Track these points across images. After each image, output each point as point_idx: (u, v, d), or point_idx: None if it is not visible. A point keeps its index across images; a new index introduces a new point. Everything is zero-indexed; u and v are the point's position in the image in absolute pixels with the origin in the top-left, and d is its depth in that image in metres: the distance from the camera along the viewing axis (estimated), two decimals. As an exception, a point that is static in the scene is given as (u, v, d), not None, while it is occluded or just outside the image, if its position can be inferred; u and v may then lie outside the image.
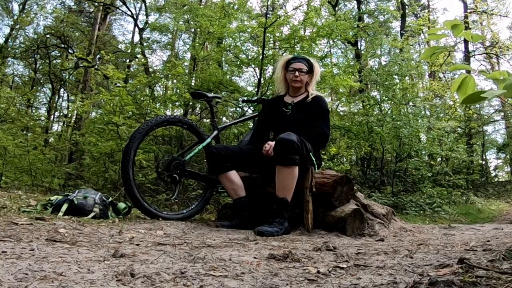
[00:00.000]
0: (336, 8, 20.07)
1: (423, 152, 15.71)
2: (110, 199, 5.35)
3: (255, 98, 7.23)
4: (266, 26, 11.54)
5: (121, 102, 9.40)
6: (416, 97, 16.54)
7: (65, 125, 25.60)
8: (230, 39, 13.83)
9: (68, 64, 25.59)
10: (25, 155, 11.46)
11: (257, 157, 5.14)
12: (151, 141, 9.31)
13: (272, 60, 11.78)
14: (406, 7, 25.62)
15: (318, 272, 2.32)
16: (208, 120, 12.24)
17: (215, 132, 5.83)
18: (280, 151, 4.69)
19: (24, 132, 16.78)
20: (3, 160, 11.00)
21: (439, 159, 19.08)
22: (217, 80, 12.97)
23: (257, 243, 3.55)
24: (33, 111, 27.37)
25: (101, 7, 23.08)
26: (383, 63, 22.35)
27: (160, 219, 5.18)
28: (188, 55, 22.53)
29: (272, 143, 4.79)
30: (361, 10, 23.37)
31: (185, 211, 5.66)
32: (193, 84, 14.89)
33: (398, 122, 13.78)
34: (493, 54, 28.13)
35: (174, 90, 15.30)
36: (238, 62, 13.35)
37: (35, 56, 25.22)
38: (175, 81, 16.03)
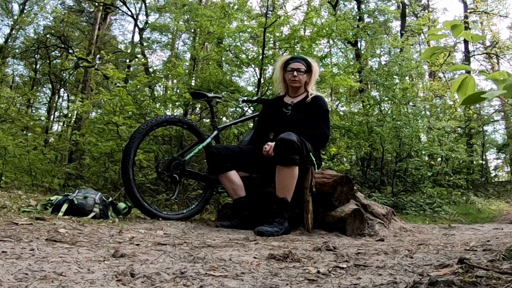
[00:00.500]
0: (336, 8, 20.05)
1: (423, 152, 15.69)
2: (110, 199, 5.37)
3: (255, 98, 7.24)
4: (266, 26, 11.58)
5: (121, 102, 9.42)
6: (416, 97, 16.56)
7: (65, 125, 25.63)
8: (230, 39, 13.76)
9: (68, 64, 25.61)
10: (25, 155, 11.47)
11: (257, 157, 5.16)
12: (151, 141, 9.32)
13: (272, 60, 11.81)
14: (406, 7, 25.61)
15: (318, 272, 2.32)
16: (208, 120, 12.28)
17: (215, 132, 5.86)
18: (280, 151, 4.70)
19: (24, 132, 16.78)
20: (3, 160, 10.99)
21: (439, 159, 19.12)
22: (217, 80, 13.05)
23: (257, 243, 3.56)
24: (33, 111, 27.42)
25: (101, 7, 23.10)
26: (383, 63, 22.34)
27: (160, 219, 5.20)
28: (188, 55, 22.61)
29: (272, 144, 4.80)
30: (361, 10, 23.35)
31: (185, 211, 5.68)
32: (193, 84, 14.99)
33: (398, 122, 13.79)
34: (493, 54, 28.15)
35: (174, 90, 15.35)
36: (238, 62, 13.36)
37: (35, 56, 25.24)
38: (175, 81, 16.13)
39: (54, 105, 29.68)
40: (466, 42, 27.02)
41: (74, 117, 23.00)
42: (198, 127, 5.87)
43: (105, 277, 2.06)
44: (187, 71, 16.55)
